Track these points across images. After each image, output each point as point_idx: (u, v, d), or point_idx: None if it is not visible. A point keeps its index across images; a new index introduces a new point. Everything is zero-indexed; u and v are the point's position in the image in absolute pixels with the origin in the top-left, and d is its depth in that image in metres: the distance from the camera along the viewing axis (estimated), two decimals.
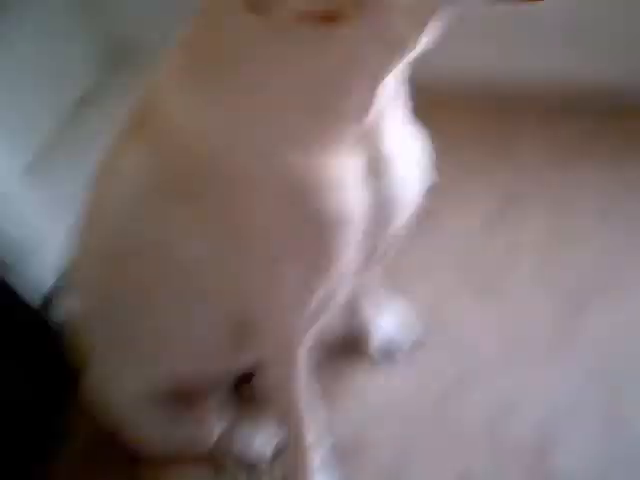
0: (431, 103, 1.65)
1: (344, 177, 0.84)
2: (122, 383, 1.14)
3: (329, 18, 0.71)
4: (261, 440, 1.29)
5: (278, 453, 1.27)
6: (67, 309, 1.18)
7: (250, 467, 1.27)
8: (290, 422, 1.11)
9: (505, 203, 1.68)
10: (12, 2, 1.90)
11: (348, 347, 1.43)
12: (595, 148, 1.75)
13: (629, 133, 1.76)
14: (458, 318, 1.47)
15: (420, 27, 0.73)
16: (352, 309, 1.37)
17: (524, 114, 1.85)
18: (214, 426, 1.25)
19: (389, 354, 1.42)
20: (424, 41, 0.76)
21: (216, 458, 1.29)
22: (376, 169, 0.88)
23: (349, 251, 0.89)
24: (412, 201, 0.97)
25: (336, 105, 0.80)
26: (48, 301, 1.37)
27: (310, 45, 0.74)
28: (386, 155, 0.89)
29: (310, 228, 0.85)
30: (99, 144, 0.97)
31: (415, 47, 0.76)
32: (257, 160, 0.81)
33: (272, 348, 1.01)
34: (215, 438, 1.25)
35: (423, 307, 1.46)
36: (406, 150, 0.93)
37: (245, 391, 1.31)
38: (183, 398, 1.17)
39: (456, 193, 1.67)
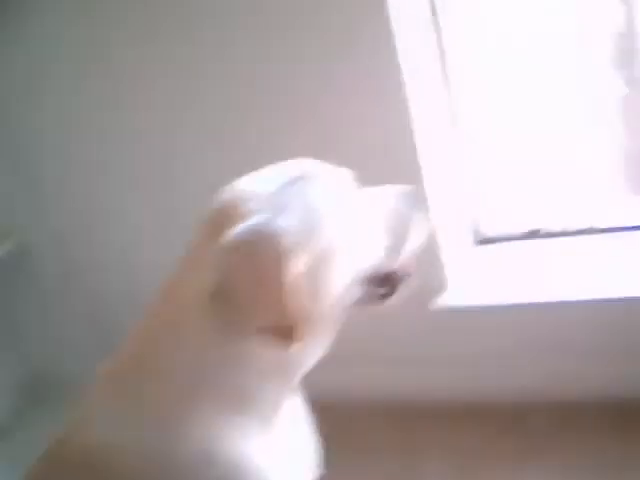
0: (340, 416, 1.75)
1: (259, 459, 0.95)
2: None
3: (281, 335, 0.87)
4: None
5: None
6: None
7: None
8: None
9: None
10: None
11: None
12: (499, 450, 1.80)
13: (532, 433, 1.81)
14: None
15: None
16: None
17: (427, 421, 1.90)
18: None
19: None
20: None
21: None
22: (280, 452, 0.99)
23: None
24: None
25: (254, 403, 0.94)
26: None
27: (256, 352, 0.91)
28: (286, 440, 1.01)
29: None
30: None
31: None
32: (186, 461, 0.90)
33: None
34: None
35: None
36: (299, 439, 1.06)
37: None
38: None
39: None
